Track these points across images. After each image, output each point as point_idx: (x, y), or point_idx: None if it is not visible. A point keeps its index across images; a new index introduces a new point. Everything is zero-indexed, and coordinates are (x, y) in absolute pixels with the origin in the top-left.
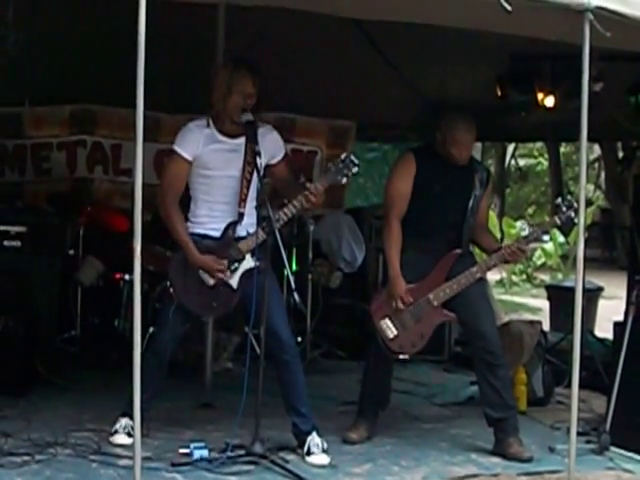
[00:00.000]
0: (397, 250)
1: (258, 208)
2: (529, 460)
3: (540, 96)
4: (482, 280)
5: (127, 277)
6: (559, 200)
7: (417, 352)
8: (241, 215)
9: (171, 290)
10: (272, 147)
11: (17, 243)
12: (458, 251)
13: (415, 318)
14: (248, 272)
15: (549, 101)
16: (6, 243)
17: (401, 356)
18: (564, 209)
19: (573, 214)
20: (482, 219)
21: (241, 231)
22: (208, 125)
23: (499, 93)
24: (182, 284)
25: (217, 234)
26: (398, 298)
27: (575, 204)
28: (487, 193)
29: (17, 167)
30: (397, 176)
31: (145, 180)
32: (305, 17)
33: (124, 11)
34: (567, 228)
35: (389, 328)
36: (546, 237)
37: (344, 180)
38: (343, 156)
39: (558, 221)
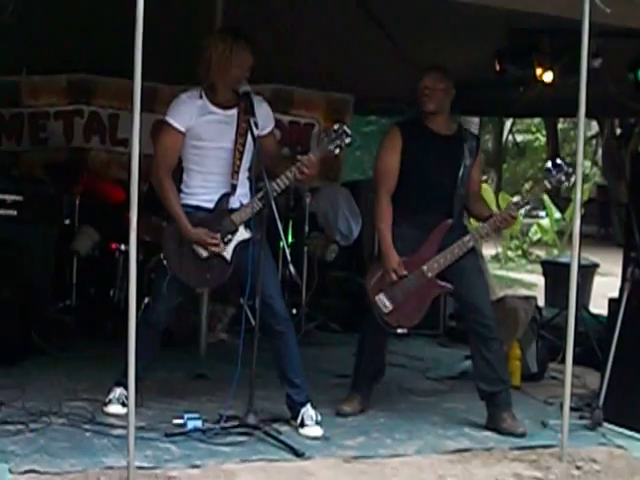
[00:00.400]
0: (388, 224)
1: (252, 179)
2: (523, 435)
3: (539, 71)
4: (477, 254)
5: (123, 247)
6: (549, 164)
7: (413, 326)
8: (234, 186)
9: (164, 262)
10: (263, 118)
11: (13, 212)
12: (449, 221)
13: (410, 291)
14: (242, 244)
15: (547, 76)
16: (2, 212)
17: (399, 330)
18: (554, 172)
19: (563, 177)
20: (474, 188)
21: (234, 202)
22: (201, 96)
23: (497, 68)
24: (175, 256)
25: (210, 205)
26: (392, 271)
27: (565, 167)
28: (478, 162)
29: (14, 136)
30: (384, 151)
31: (142, 150)
32: None
33: None
34: (557, 190)
35: (385, 302)
36: (542, 213)
37: (337, 151)
38: (336, 127)
39: (548, 185)
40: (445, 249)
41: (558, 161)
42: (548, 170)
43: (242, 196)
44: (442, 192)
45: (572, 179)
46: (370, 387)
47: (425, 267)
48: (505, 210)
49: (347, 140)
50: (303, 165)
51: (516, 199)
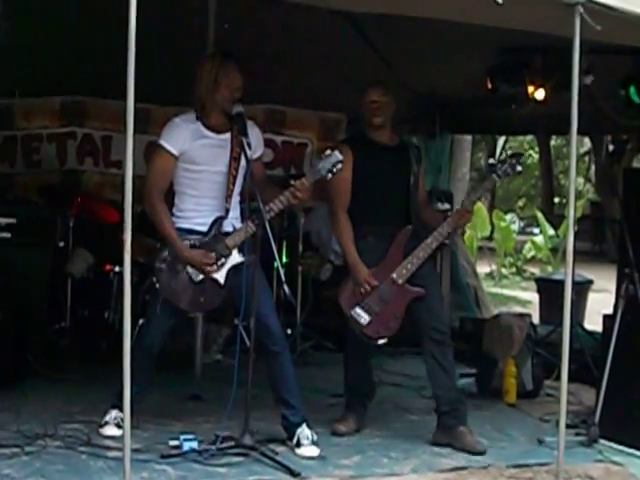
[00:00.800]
0: (350, 238)
1: (247, 200)
2: (483, 453)
3: (530, 89)
4: (433, 263)
5: (117, 269)
6: (491, 160)
7: (405, 344)
8: (227, 210)
9: (157, 285)
10: (254, 142)
11: (7, 235)
12: (409, 227)
13: (384, 300)
14: (235, 268)
15: (539, 94)
16: None
17: (380, 341)
18: (499, 165)
19: (509, 169)
20: (422, 195)
21: (227, 226)
22: (195, 120)
23: (489, 86)
24: (168, 279)
25: (203, 228)
26: (363, 283)
27: (509, 159)
28: (422, 170)
29: (7, 159)
30: None
31: (135, 172)
32: (296, 9)
33: (115, 2)
34: (506, 179)
35: (361, 315)
36: (536, 230)
37: (329, 175)
38: (328, 152)
39: (496, 177)
40: (410, 254)
41: (502, 154)
42: (492, 165)
43: (234, 219)
44: (398, 201)
45: (517, 168)
46: (364, 406)
47: (394, 275)
48: (461, 207)
49: (339, 166)
50: (296, 190)
51: (468, 194)
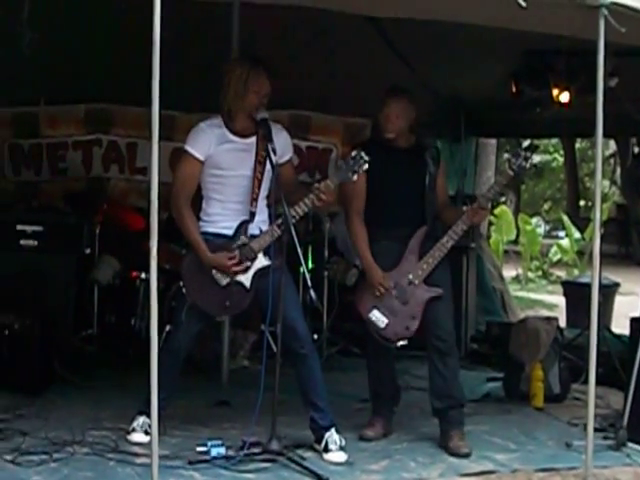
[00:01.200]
0: (364, 241)
1: (273, 205)
2: (467, 456)
3: (555, 92)
4: (448, 270)
5: (143, 276)
6: (507, 155)
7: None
8: (252, 214)
9: (184, 290)
10: (282, 146)
11: (34, 242)
12: (424, 228)
13: (401, 301)
14: (261, 271)
15: (564, 97)
16: (23, 242)
17: (399, 343)
18: (513, 160)
19: (523, 162)
20: (442, 196)
21: (254, 229)
22: (220, 125)
23: (514, 89)
24: (194, 284)
25: (229, 232)
26: (378, 285)
27: (523, 152)
28: (441, 170)
29: (33, 166)
30: None
31: (161, 179)
32: (320, 14)
33: (139, 10)
34: (521, 177)
35: (379, 319)
36: (562, 233)
37: (355, 177)
38: (354, 153)
39: (510, 172)
40: (426, 254)
41: (518, 149)
42: (508, 160)
43: (261, 223)
44: (412, 202)
45: (532, 161)
46: (391, 410)
47: (411, 275)
48: (475, 204)
49: (365, 167)
50: (321, 192)
51: (484, 191)
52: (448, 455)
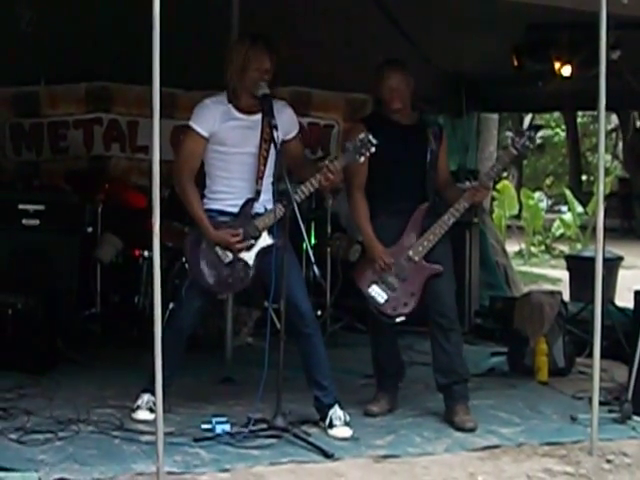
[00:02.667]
0: (366, 217)
1: (275, 182)
2: (472, 430)
3: (557, 65)
4: (449, 247)
5: (146, 254)
6: (510, 133)
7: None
8: (258, 192)
9: (186, 267)
10: (287, 123)
11: (36, 222)
12: (425, 205)
13: (401, 277)
14: (265, 249)
15: (566, 70)
16: (25, 222)
17: (398, 319)
18: (517, 139)
19: (528, 142)
20: (444, 173)
21: (259, 208)
22: (225, 102)
23: (515, 63)
24: (197, 261)
25: (234, 210)
26: (379, 260)
27: (527, 132)
28: (443, 148)
29: (34, 146)
30: None
31: (162, 157)
32: None
33: None
34: (523, 156)
35: (378, 294)
36: (564, 208)
37: (362, 159)
38: (362, 135)
39: (514, 151)
40: (427, 231)
41: (520, 128)
42: (511, 138)
43: (266, 202)
44: (413, 178)
45: (536, 141)
46: (395, 386)
47: (411, 252)
48: (477, 182)
49: (372, 150)
50: (329, 171)
51: (486, 170)
52: (454, 430)
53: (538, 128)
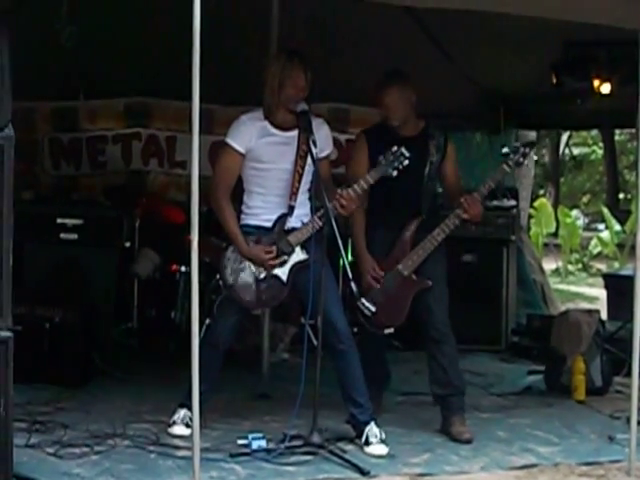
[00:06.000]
0: (360, 228)
1: (313, 197)
2: (468, 442)
3: (596, 83)
4: (444, 260)
5: (183, 269)
6: (506, 149)
7: (473, 341)
8: (291, 208)
9: (220, 283)
10: (323, 141)
11: (74, 236)
12: (418, 219)
13: (390, 291)
14: (299, 264)
15: (605, 88)
16: (63, 236)
17: (386, 331)
18: (511, 155)
19: (521, 158)
20: (452, 183)
21: (294, 223)
22: (262, 118)
23: (554, 81)
24: (231, 277)
25: (270, 225)
26: (368, 273)
27: (521, 149)
28: (449, 157)
29: (73, 160)
30: (353, 159)
31: (200, 172)
32: (358, 6)
33: (179, 3)
34: (516, 169)
35: (367, 306)
36: (602, 226)
37: (395, 173)
38: (394, 149)
39: (507, 168)
40: (417, 245)
41: (515, 143)
42: (505, 154)
43: (303, 216)
44: (409, 191)
45: (530, 157)
46: (379, 393)
47: (400, 266)
48: (469, 198)
49: (405, 162)
50: (341, 198)
51: (479, 187)
52: (490, 450)
53: (533, 145)
